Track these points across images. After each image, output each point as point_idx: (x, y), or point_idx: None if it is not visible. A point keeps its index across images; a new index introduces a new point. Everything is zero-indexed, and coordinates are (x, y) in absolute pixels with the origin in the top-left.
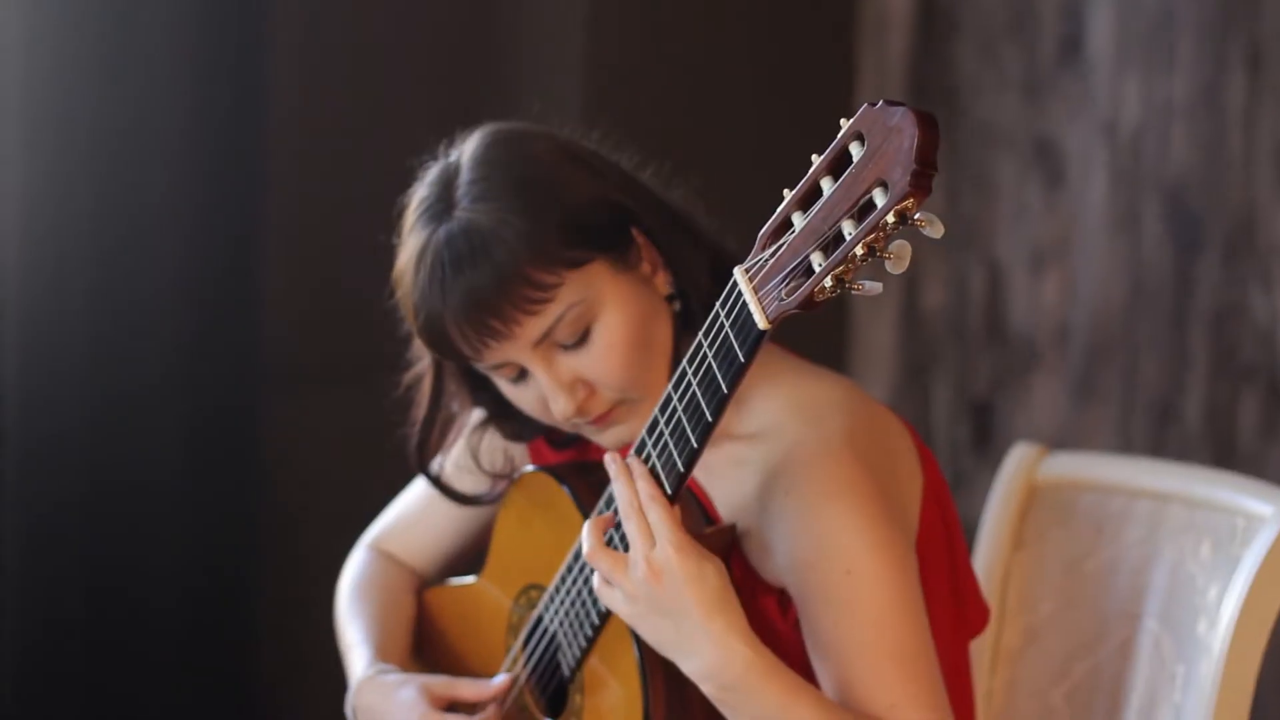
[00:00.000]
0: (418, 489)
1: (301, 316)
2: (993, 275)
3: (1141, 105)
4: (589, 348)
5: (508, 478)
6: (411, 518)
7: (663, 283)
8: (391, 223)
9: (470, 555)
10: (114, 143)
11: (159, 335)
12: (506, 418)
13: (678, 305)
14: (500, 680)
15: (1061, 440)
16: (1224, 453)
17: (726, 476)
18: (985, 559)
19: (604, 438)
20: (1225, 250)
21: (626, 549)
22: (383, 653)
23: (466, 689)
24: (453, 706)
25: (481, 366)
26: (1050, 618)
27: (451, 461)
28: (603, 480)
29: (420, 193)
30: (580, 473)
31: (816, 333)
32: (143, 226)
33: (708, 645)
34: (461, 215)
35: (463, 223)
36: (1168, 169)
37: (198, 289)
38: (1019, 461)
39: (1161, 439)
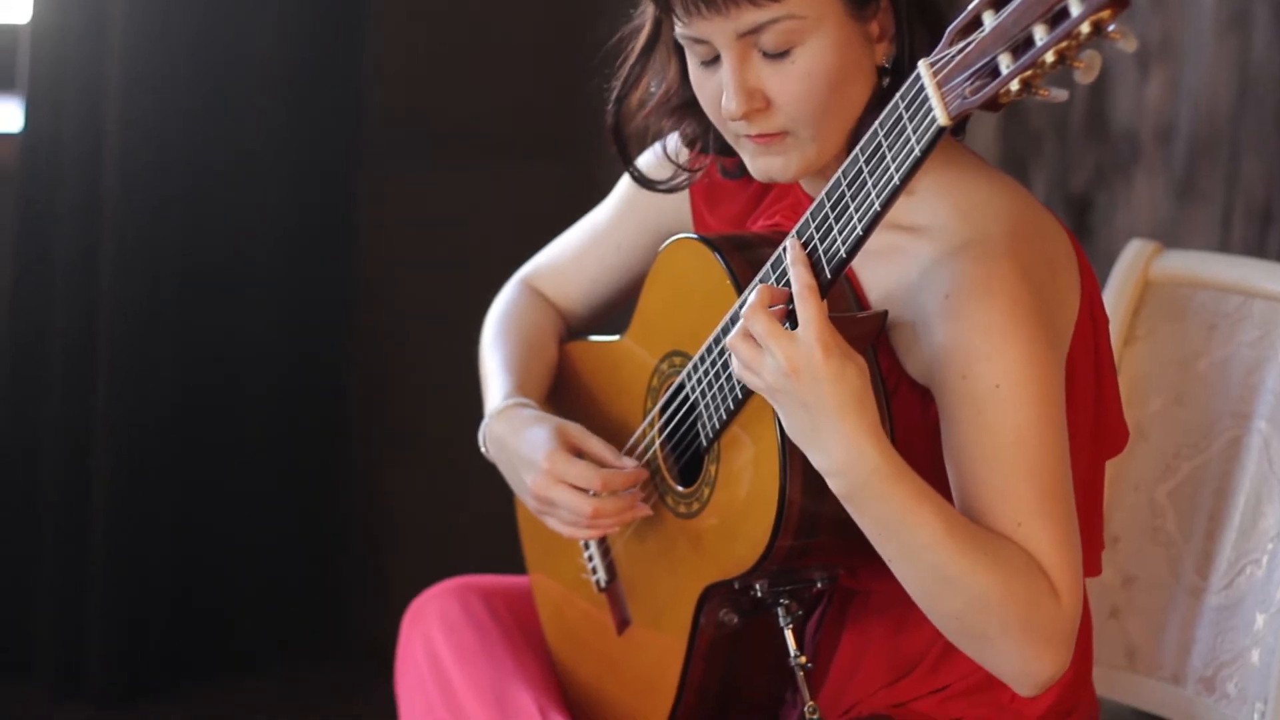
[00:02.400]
0: (578, 230)
1: (405, 91)
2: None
3: None
4: (785, 65)
5: (690, 173)
6: (568, 258)
7: (881, 53)
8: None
9: (618, 310)
10: None
11: (259, 106)
12: (696, 116)
13: (886, 82)
14: (636, 463)
15: (1160, 239)
16: None
17: (883, 264)
18: None
19: (758, 162)
20: None
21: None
22: (522, 386)
23: (599, 446)
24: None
25: (684, 33)
26: (1158, 414)
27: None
28: (759, 258)
29: None
30: (737, 247)
31: None
32: None
33: (838, 444)
34: None
35: None
36: None
37: (299, 58)
38: (1134, 257)
39: (1262, 242)
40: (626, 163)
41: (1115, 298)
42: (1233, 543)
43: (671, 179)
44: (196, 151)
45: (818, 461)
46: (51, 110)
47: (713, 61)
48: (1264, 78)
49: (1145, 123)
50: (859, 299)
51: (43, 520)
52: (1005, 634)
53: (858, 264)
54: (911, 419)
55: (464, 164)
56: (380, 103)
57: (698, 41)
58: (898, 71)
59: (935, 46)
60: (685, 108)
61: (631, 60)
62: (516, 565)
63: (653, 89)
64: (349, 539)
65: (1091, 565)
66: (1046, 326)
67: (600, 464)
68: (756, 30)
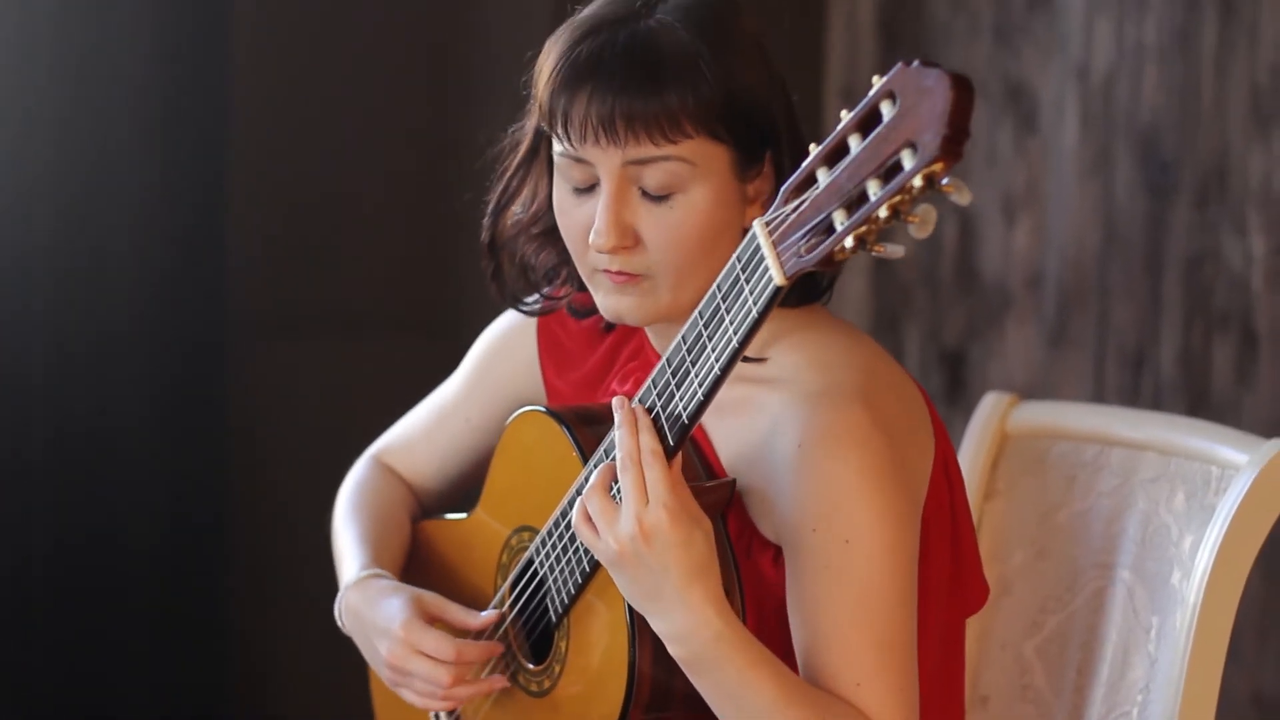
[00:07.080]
0: (427, 406)
1: (269, 270)
2: (964, 223)
3: (1113, 49)
4: (663, 209)
5: (554, 300)
6: (418, 434)
7: (750, 217)
8: (363, 175)
9: (470, 485)
10: (75, 84)
11: (124, 288)
12: (555, 246)
13: None
14: (488, 613)
15: (1034, 388)
16: (1198, 400)
17: (734, 418)
18: None
19: (609, 299)
20: (1198, 195)
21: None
22: (378, 559)
23: (455, 613)
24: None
25: (568, 153)
26: (1022, 569)
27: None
28: (607, 431)
29: None
30: (584, 421)
31: None
32: (106, 176)
33: (681, 611)
34: (664, 21)
35: (661, 28)
36: (1140, 113)
37: (163, 241)
38: (990, 410)
39: (1135, 386)
40: (498, 280)
41: (974, 452)
42: (1102, 696)
43: (534, 302)
44: (57, 340)
45: (658, 627)
46: None
47: (586, 190)
48: (1128, 221)
49: (1014, 272)
50: (709, 462)
51: None
52: None
53: (709, 420)
54: (763, 581)
55: (331, 337)
56: (245, 280)
57: (579, 162)
58: None
59: None
60: (547, 235)
61: (510, 172)
62: None
63: (518, 212)
64: (231, 702)
65: None
66: (902, 479)
67: (461, 628)
68: (644, 163)
